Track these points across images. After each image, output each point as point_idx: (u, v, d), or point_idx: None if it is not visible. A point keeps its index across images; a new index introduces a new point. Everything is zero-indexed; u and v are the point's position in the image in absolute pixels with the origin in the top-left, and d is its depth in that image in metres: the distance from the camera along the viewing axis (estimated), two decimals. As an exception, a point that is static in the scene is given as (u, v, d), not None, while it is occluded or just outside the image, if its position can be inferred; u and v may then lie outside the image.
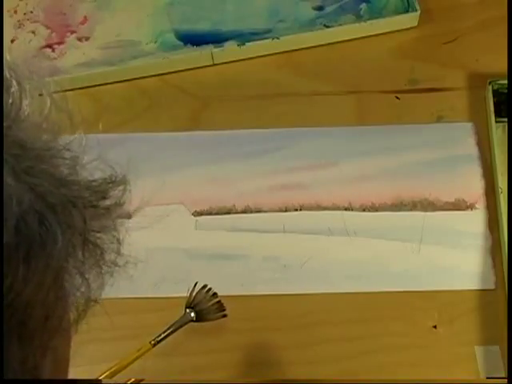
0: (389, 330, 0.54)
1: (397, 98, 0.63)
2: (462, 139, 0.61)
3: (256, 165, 0.60)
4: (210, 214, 0.59)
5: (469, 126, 0.61)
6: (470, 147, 0.60)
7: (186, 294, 0.55)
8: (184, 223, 0.58)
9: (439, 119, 0.62)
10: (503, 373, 0.52)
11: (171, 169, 0.60)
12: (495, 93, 0.61)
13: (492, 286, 0.55)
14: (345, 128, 0.62)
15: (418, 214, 0.58)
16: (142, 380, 0.51)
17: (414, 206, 0.58)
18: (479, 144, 0.60)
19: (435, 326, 0.54)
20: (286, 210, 0.59)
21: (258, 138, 0.61)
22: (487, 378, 0.52)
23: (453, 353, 0.53)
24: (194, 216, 0.59)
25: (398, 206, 0.59)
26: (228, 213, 0.59)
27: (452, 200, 0.58)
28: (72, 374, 0.54)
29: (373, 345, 0.54)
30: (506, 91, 0.60)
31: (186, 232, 0.58)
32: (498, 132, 0.60)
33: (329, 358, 0.53)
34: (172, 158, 0.61)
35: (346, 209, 0.59)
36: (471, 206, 0.58)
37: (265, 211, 0.59)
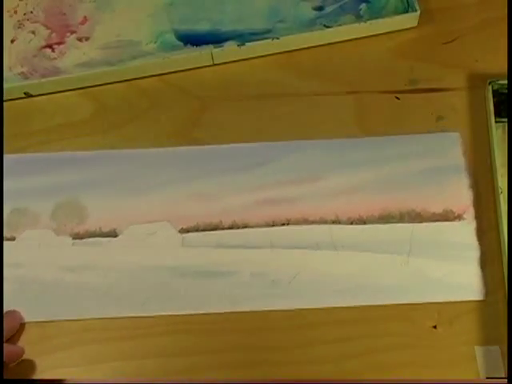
0: (389, 330, 0.54)
1: (397, 98, 0.63)
2: (448, 149, 0.61)
3: (242, 180, 0.60)
4: (196, 230, 0.58)
5: (456, 135, 0.61)
6: (457, 157, 0.60)
7: (174, 313, 0.55)
8: (171, 240, 0.58)
9: (439, 119, 0.62)
10: (503, 373, 0.52)
11: (157, 186, 0.60)
12: (495, 93, 0.61)
13: (481, 297, 0.55)
14: (330, 141, 0.61)
15: (405, 226, 0.58)
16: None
17: (401, 217, 0.58)
18: (471, 150, 0.60)
19: (435, 326, 0.54)
20: (273, 225, 0.58)
21: (243, 153, 0.61)
22: (487, 378, 0.52)
23: (453, 353, 0.53)
24: (181, 233, 0.58)
25: (385, 218, 0.58)
26: (215, 229, 0.58)
27: (440, 211, 0.58)
28: (72, 374, 0.54)
29: (373, 345, 0.54)
30: (505, 91, 0.60)
31: (172, 249, 0.58)
32: (498, 132, 0.60)
33: (329, 357, 0.53)
34: (157, 175, 0.60)
35: (333, 222, 0.58)
36: (459, 217, 0.58)
37: (252, 226, 0.58)
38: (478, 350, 0.53)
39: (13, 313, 0.55)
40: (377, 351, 0.53)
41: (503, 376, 0.52)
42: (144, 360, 0.53)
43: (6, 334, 0.53)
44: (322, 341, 0.54)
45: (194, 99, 0.64)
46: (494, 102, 0.60)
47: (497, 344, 0.53)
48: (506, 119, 0.60)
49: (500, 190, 0.57)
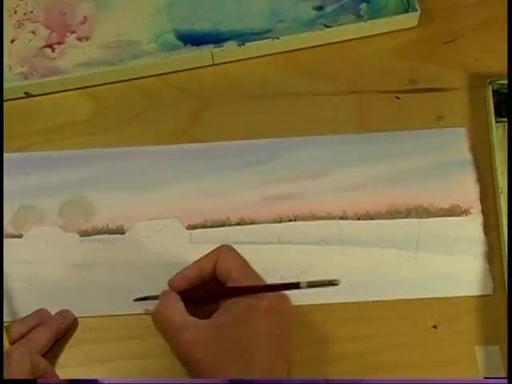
0: (389, 330, 0.54)
1: (397, 97, 0.63)
2: (454, 144, 0.61)
3: (249, 176, 0.60)
4: (204, 227, 0.58)
5: (462, 130, 0.61)
6: (464, 152, 0.60)
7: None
8: (178, 237, 0.58)
9: (439, 119, 0.62)
10: (503, 373, 0.52)
11: (164, 182, 0.60)
12: (495, 93, 0.61)
13: (490, 292, 0.55)
14: (337, 136, 0.61)
15: (413, 222, 0.58)
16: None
17: (408, 213, 0.58)
18: (473, 148, 0.60)
19: (435, 326, 0.54)
20: (280, 221, 0.58)
21: (250, 149, 0.61)
22: (487, 378, 0.52)
23: (453, 352, 0.53)
24: (188, 230, 0.58)
25: (392, 214, 0.58)
26: (222, 225, 0.58)
27: (447, 206, 0.58)
28: (72, 374, 0.54)
29: (373, 345, 0.54)
30: (506, 91, 0.60)
31: (180, 246, 0.57)
32: (499, 132, 0.60)
33: (329, 357, 0.53)
34: (164, 172, 0.60)
35: (340, 218, 0.58)
36: (466, 212, 0.58)
37: (259, 223, 0.58)
38: (478, 350, 0.53)
39: (65, 311, 0.55)
40: (377, 351, 0.53)
41: (503, 376, 0.52)
42: (144, 360, 0.53)
43: (60, 332, 0.54)
44: (322, 341, 0.54)
45: (194, 99, 0.64)
46: (494, 101, 0.60)
47: (497, 344, 0.53)
48: (506, 119, 0.60)
49: (500, 190, 0.57)
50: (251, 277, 0.50)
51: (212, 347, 0.47)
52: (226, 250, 0.51)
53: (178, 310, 0.50)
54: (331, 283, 0.47)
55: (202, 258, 0.52)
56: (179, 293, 0.51)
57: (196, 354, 0.47)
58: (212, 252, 0.52)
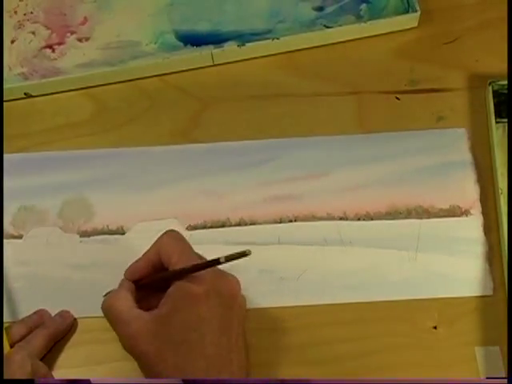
0: (389, 331, 0.54)
1: (397, 98, 0.63)
2: (455, 145, 0.61)
3: (249, 177, 0.60)
4: (204, 227, 0.58)
5: (462, 131, 0.61)
6: (464, 153, 0.60)
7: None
8: None
9: (439, 120, 0.62)
10: (503, 373, 0.52)
11: (164, 183, 0.60)
12: (495, 93, 0.61)
13: (490, 292, 0.55)
14: (337, 137, 0.61)
15: (413, 222, 0.58)
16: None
17: (408, 213, 0.58)
18: (473, 149, 0.60)
19: (435, 327, 0.54)
20: (280, 222, 0.59)
21: (250, 150, 0.61)
22: (487, 378, 0.52)
23: (453, 353, 0.53)
24: (188, 230, 0.58)
25: (392, 215, 0.58)
26: (222, 226, 0.58)
27: (447, 206, 0.58)
28: (72, 375, 0.54)
29: (373, 345, 0.54)
30: (506, 92, 0.60)
31: None
32: (499, 132, 0.60)
33: (329, 358, 0.53)
34: (164, 172, 0.60)
35: (340, 218, 0.58)
36: (466, 212, 0.58)
37: (259, 223, 0.59)
38: (478, 351, 0.53)
39: (65, 312, 0.55)
40: (377, 351, 0.53)
41: (503, 376, 0.52)
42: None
43: (60, 334, 0.54)
44: (322, 341, 0.54)
45: (195, 99, 0.64)
46: (494, 102, 0.60)
47: (497, 344, 0.53)
48: (506, 119, 0.60)
49: (500, 191, 0.57)
50: (190, 262, 0.50)
51: (155, 339, 0.47)
52: (168, 236, 0.51)
53: (124, 302, 0.50)
54: (243, 254, 0.46)
55: (149, 248, 0.52)
56: (134, 282, 0.52)
57: (140, 346, 0.48)
58: (157, 240, 0.52)
